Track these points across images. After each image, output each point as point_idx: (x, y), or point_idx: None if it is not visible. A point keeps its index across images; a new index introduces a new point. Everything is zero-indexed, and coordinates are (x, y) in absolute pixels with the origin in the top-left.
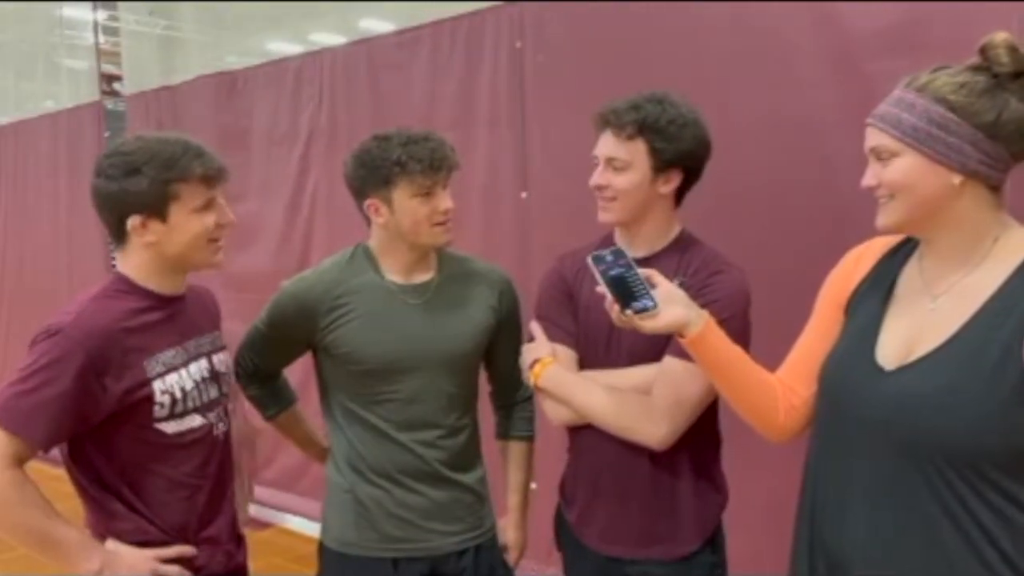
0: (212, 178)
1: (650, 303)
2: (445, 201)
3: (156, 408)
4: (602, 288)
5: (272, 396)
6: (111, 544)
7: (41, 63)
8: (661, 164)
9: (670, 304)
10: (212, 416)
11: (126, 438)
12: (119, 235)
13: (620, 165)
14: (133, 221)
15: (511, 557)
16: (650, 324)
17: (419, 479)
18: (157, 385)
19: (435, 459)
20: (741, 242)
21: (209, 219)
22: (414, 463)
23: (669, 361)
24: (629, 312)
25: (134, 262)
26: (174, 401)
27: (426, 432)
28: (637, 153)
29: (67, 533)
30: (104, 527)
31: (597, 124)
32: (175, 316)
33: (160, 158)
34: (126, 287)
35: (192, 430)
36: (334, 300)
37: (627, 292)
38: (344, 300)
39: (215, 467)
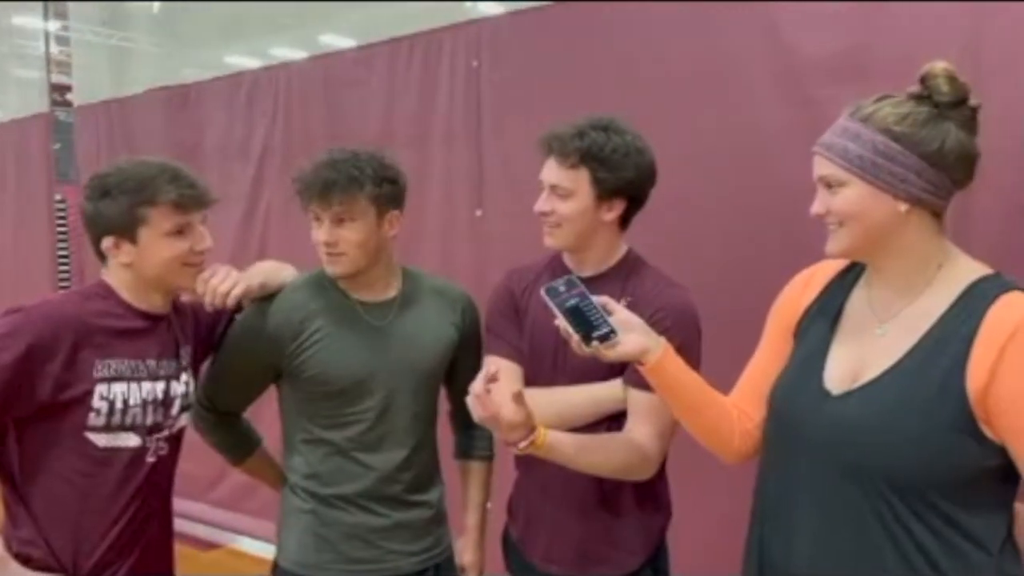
0: (185, 204)
1: (611, 331)
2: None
3: (92, 415)
4: (560, 321)
5: (238, 440)
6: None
7: None
8: (604, 193)
9: (629, 332)
10: (151, 440)
11: (51, 440)
12: (101, 256)
13: (563, 193)
14: (107, 242)
15: None
16: (612, 353)
17: (381, 500)
18: (99, 388)
19: (398, 480)
20: (690, 263)
21: (181, 244)
22: (377, 485)
23: (638, 396)
24: (595, 343)
25: (115, 280)
26: (111, 411)
27: (391, 452)
28: (580, 181)
29: None
30: (7, 530)
31: (542, 149)
32: (145, 332)
33: (132, 181)
34: (104, 292)
35: (125, 449)
36: (299, 323)
37: (585, 322)
38: (308, 323)
39: (137, 497)
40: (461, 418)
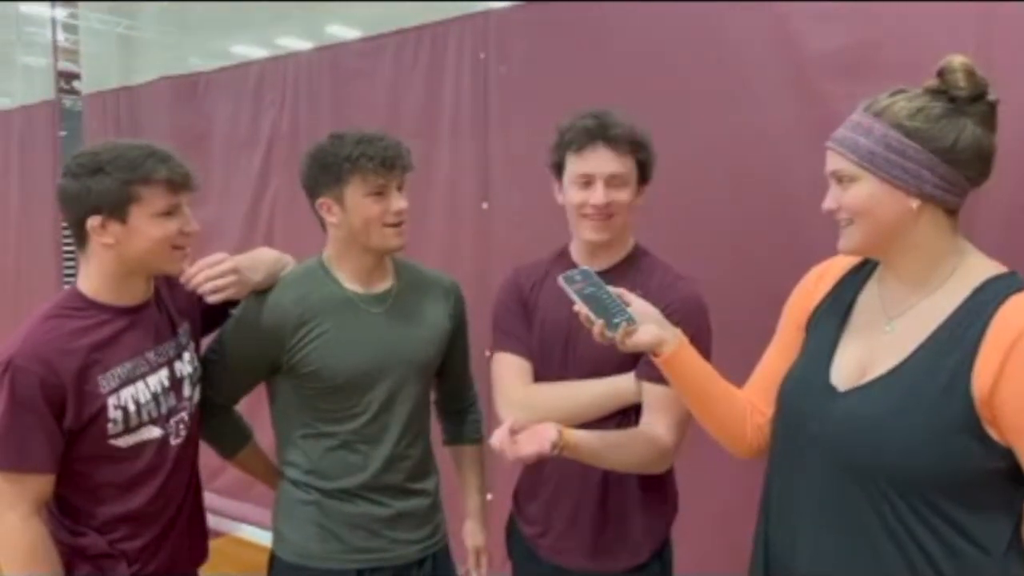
0: (176, 184)
1: (631, 318)
2: (398, 202)
3: (110, 425)
4: (580, 307)
5: (230, 432)
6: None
7: None
8: (643, 177)
9: (646, 322)
10: (171, 426)
11: (76, 456)
12: (81, 237)
13: (620, 182)
14: (92, 221)
15: (481, 562)
16: (630, 341)
17: (384, 491)
18: (111, 400)
19: (399, 469)
20: (699, 258)
21: (171, 225)
22: (379, 475)
23: (653, 390)
24: (622, 327)
25: (95, 269)
26: (127, 416)
27: (392, 442)
28: (631, 167)
29: None
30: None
31: (579, 139)
32: (134, 326)
33: (125, 159)
34: (79, 303)
35: (150, 441)
36: (298, 318)
37: (604, 309)
38: (307, 317)
39: (169, 480)
40: (451, 405)
